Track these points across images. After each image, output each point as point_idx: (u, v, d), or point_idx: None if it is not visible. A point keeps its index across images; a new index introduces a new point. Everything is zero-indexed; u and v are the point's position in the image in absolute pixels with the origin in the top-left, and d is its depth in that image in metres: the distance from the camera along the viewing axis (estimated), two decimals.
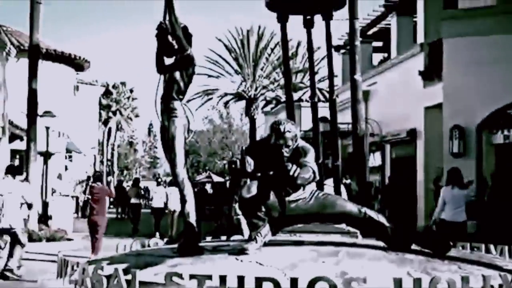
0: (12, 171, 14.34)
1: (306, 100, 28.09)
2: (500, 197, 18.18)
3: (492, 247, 6.49)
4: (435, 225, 14.01)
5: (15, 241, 13.17)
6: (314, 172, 5.46)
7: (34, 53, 22.14)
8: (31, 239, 19.64)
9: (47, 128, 23.82)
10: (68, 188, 29.82)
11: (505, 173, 18.69)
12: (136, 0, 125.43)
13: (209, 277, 4.34)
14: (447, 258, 5.44)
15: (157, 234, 20.34)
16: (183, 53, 6.02)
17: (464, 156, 18.36)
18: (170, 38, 6.04)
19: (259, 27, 40.30)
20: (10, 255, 13.08)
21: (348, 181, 19.03)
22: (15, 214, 13.48)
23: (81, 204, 32.09)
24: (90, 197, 16.26)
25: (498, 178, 18.60)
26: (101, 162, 57.71)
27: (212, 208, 28.57)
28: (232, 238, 7.07)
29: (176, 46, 6.04)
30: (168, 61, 6.17)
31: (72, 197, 29.92)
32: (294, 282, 4.22)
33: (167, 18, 6.04)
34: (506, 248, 6.33)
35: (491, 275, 4.60)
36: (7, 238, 14.25)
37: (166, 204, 22.94)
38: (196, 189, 25.58)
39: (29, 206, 14.22)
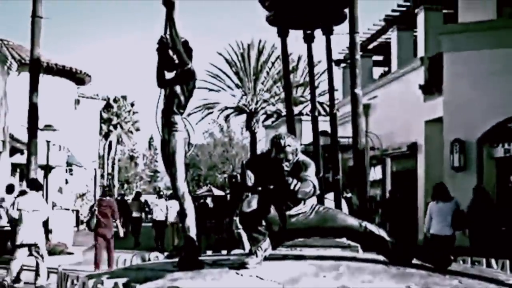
0: (36, 186, 14.53)
1: (307, 114, 28.17)
2: (502, 210, 18.18)
3: (493, 261, 6.48)
4: (425, 239, 14.22)
5: (32, 254, 13.50)
6: (314, 187, 5.46)
7: (35, 67, 22.16)
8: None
9: (48, 142, 23.84)
10: (68, 202, 29.81)
11: (506, 186, 18.71)
12: (138, 14, 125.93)
13: None
14: (448, 272, 5.43)
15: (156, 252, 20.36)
16: (183, 67, 6.03)
17: (464, 170, 18.38)
18: (170, 52, 6.06)
19: (260, 41, 40.42)
20: (37, 273, 13.47)
21: (349, 195, 19.03)
22: (37, 229, 13.70)
23: (84, 218, 32.06)
24: (97, 209, 16.29)
25: (500, 192, 18.62)
26: (102, 175, 57.67)
27: (213, 222, 28.59)
28: (233, 252, 7.07)
29: (176, 61, 6.05)
30: (169, 75, 6.18)
31: (73, 210, 29.89)
32: None
33: (168, 32, 6.06)
34: (508, 262, 6.32)
35: None
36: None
37: (167, 217, 22.94)
38: (197, 203, 25.68)
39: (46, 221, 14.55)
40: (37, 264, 13.53)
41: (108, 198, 17.29)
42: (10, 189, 19.76)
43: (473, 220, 14.68)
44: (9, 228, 15.88)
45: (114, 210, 16.55)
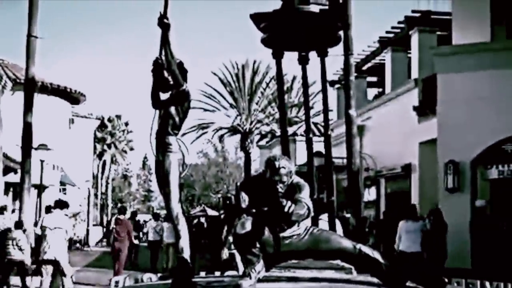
0: (61, 205, 15.42)
1: (301, 135, 28.20)
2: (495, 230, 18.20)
3: (487, 283, 6.47)
4: (395, 256, 14.89)
5: (57, 271, 14.26)
6: (309, 209, 5.46)
7: (30, 86, 22.17)
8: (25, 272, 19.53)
9: (42, 161, 23.82)
10: (62, 222, 29.67)
11: (500, 208, 18.71)
12: (133, 34, 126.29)
13: None
14: None
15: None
16: (178, 88, 6.03)
17: (459, 191, 18.39)
18: (165, 73, 6.06)
19: (254, 61, 40.44)
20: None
21: (348, 215, 18.98)
22: (60, 246, 14.52)
23: (76, 237, 31.98)
24: (115, 227, 18.50)
25: (494, 213, 18.63)
26: (95, 195, 57.56)
27: (207, 241, 28.46)
28: (226, 273, 7.04)
29: (171, 82, 6.05)
30: (164, 96, 6.18)
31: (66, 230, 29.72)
32: None
33: (163, 53, 6.07)
34: (502, 284, 6.31)
35: None
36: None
37: (162, 237, 22.80)
38: (193, 223, 25.56)
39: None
40: (62, 280, 14.31)
41: (123, 217, 19.38)
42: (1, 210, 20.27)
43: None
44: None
45: (129, 228, 18.66)
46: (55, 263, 14.32)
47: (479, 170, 18.72)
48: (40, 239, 14.95)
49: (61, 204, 15.56)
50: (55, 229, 14.58)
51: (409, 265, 11.54)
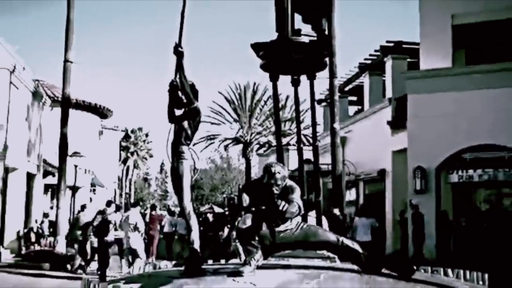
0: (134, 204, 19.11)
1: (293, 145, 28.12)
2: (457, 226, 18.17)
3: (449, 270, 6.44)
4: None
5: (135, 256, 15.76)
6: (299, 207, 5.46)
7: (66, 104, 22.22)
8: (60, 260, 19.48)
9: (75, 166, 23.79)
10: (92, 217, 29.61)
11: (459, 207, 18.72)
12: (152, 59, 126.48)
13: None
14: (412, 280, 5.40)
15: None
16: (190, 106, 6.03)
17: (425, 192, 18.37)
18: (179, 93, 6.06)
19: (254, 83, 40.55)
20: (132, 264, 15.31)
21: (338, 212, 18.90)
22: (137, 237, 16.21)
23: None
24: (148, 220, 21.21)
25: (455, 211, 18.62)
26: (120, 195, 57.43)
27: (211, 233, 28.37)
28: (230, 261, 7.01)
29: (184, 100, 6.04)
30: (178, 112, 6.17)
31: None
32: None
33: (178, 76, 6.07)
34: (462, 271, 6.28)
35: None
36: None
37: (175, 230, 22.72)
38: (200, 218, 25.67)
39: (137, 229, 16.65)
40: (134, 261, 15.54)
41: (155, 212, 22.47)
42: (117, 207, 21.72)
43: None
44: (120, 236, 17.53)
45: (161, 220, 22.51)
46: (132, 250, 16.01)
47: (442, 175, 18.71)
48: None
49: (135, 204, 19.56)
50: (133, 225, 16.19)
51: (384, 254, 11.57)
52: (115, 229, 16.78)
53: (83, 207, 20.12)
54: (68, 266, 18.38)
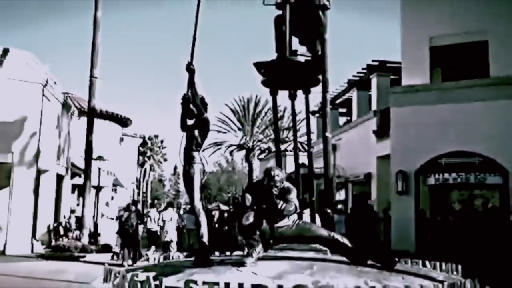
0: (171, 205, 19.81)
1: (290, 151, 28.14)
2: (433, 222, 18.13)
3: (427, 262, 6.43)
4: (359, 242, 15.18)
5: (167, 248, 16.76)
6: (296, 206, 5.47)
7: (91, 114, 22.26)
8: (85, 251, 19.46)
9: (99, 168, 23.84)
10: (113, 213, 29.64)
11: (436, 205, 18.65)
12: (166, 74, 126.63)
13: (217, 284, 4.31)
14: (394, 271, 5.40)
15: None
16: (200, 117, 6.04)
17: (406, 193, 18.33)
18: (191, 105, 6.08)
19: (256, 96, 40.77)
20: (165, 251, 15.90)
21: (329, 210, 18.88)
22: (172, 232, 17.62)
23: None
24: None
25: (432, 209, 18.57)
26: (138, 194, 57.37)
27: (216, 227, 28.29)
28: (235, 253, 7.00)
29: (195, 112, 6.06)
30: (190, 122, 6.19)
31: (116, 219, 29.66)
32: None
33: (189, 90, 6.08)
34: (438, 263, 6.27)
35: (427, 285, 4.57)
36: None
37: (184, 225, 22.66)
38: (212, 213, 25.57)
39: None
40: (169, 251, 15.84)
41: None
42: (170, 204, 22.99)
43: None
44: (155, 229, 18.72)
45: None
46: (168, 243, 17.21)
47: (421, 178, 18.67)
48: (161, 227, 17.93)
49: (171, 205, 20.00)
50: (169, 221, 17.50)
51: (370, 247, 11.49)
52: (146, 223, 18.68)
53: (131, 203, 20.72)
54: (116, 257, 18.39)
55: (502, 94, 17.57)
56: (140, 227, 17.81)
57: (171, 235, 17.59)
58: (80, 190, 26.83)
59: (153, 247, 18.29)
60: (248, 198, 5.57)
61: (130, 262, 16.06)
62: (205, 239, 5.76)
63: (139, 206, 20.36)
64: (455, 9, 18.72)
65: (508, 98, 17.45)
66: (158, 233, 18.34)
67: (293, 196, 5.58)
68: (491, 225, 17.32)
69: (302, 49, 7.32)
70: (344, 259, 5.74)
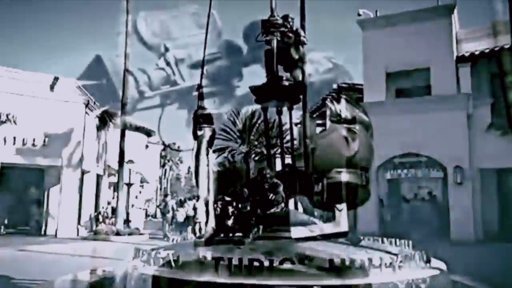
0: (195, 198, 19.38)
1: (278, 154, 28.12)
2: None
3: (385, 239, 6.41)
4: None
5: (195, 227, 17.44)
6: (282, 198, 5.50)
7: (123, 128, 22.21)
8: (119, 234, 19.34)
9: (129, 169, 23.75)
10: (141, 204, 29.63)
11: (393, 195, 18.72)
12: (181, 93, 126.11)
13: (222, 259, 4.31)
14: (359, 246, 5.40)
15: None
16: (208, 128, 6.05)
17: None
18: (200, 120, 6.08)
19: (251, 110, 40.72)
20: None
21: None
22: (202, 216, 15.73)
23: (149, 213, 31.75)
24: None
25: (390, 198, 18.62)
26: (160, 189, 57.22)
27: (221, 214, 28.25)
28: (236, 235, 6.96)
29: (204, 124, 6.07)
30: (200, 132, 6.19)
31: (143, 209, 29.63)
32: (271, 262, 4.21)
33: (199, 107, 6.09)
34: (393, 240, 6.27)
35: (382, 256, 4.58)
36: None
37: (195, 214, 22.54)
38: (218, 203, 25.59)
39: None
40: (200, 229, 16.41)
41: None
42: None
43: None
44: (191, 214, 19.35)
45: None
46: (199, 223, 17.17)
47: (380, 173, 18.75)
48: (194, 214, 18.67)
49: (195, 197, 19.32)
50: (199, 209, 17.57)
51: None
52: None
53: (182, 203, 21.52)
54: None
55: (441, 108, 17.74)
56: (181, 211, 19.30)
57: (200, 218, 17.79)
58: (114, 187, 26.72)
59: (189, 228, 18.83)
60: (245, 192, 5.59)
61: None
62: (212, 224, 5.75)
63: (169, 198, 22.02)
64: (405, 43, 18.87)
65: (445, 111, 17.64)
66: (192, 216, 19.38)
67: (280, 189, 5.59)
68: (434, 208, 17.41)
69: (287, 75, 7.34)
70: (319, 236, 5.71)
